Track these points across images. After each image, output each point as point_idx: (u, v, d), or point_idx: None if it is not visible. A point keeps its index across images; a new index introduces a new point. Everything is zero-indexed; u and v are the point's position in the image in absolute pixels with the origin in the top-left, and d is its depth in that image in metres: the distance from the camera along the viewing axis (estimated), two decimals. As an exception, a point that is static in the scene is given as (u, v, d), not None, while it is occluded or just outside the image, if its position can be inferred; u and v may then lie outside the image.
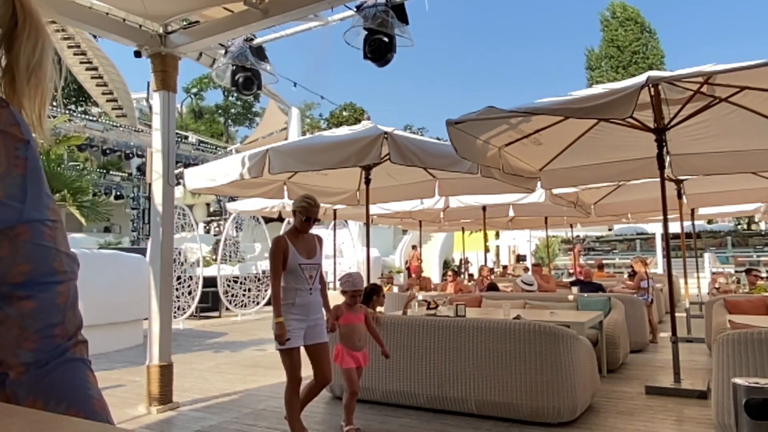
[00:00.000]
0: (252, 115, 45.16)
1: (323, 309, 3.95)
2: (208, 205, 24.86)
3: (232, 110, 44.86)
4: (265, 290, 13.62)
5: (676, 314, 5.57)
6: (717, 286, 9.78)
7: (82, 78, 21.68)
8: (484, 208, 10.38)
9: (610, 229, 24.58)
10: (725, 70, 4.25)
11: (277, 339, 3.60)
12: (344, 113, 37.01)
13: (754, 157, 5.89)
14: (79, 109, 23.35)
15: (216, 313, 13.21)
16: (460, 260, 16.50)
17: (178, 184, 6.33)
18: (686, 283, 9.21)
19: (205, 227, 22.64)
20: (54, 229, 0.93)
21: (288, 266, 3.67)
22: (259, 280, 13.71)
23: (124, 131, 22.42)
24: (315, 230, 3.94)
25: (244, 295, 13.10)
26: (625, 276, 12.38)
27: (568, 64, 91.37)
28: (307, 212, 3.78)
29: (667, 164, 5.81)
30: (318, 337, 3.79)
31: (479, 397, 4.31)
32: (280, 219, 13.77)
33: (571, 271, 19.98)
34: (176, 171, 5.38)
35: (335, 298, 4.23)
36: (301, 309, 3.69)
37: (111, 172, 21.89)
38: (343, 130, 6.75)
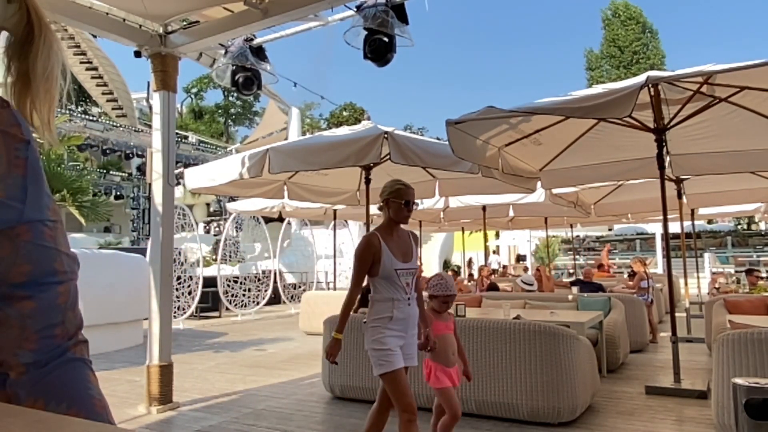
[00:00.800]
0: (252, 115, 45.17)
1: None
2: (208, 205, 24.87)
3: (232, 110, 44.86)
4: (265, 290, 13.63)
5: (676, 314, 5.57)
6: (717, 286, 9.80)
7: (82, 78, 21.69)
8: (484, 208, 10.39)
9: (610, 229, 24.61)
10: (725, 70, 4.25)
11: (326, 355, 3.04)
12: (344, 113, 36.99)
13: (754, 157, 5.89)
14: (79, 109, 23.34)
15: (216, 313, 13.21)
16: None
17: (178, 184, 6.34)
18: (686, 283, 9.20)
19: (205, 227, 22.65)
20: (54, 229, 0.94)
21: (381, 272, 2.99)
22: (259, 280, 13.71)
23: (124, 131, 22.42)
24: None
25: (244, 295, 13.10)
26: (625, 276, 12.40)
27: (568, 64, 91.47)
28: (405, 195, 3.09)
29: (667, 164, 5.81)
30: (409, 359, 3.08)
31: (479, 397, 4.31)
32: (280, 219, 13.78)
33: (571, 271, 19.98)
34: (176, 171, 5.38)
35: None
36: (400, 323, 3.01)
37: (111, 172, 21.89)
38: (343, 130, 6.75)
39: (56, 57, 0.99)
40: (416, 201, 3.33)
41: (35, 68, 0.96)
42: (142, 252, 10.59)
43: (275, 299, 14.44)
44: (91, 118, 22.02)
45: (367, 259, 3.00)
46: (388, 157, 5.43)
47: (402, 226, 3.17)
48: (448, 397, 3.27)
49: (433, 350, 3.21)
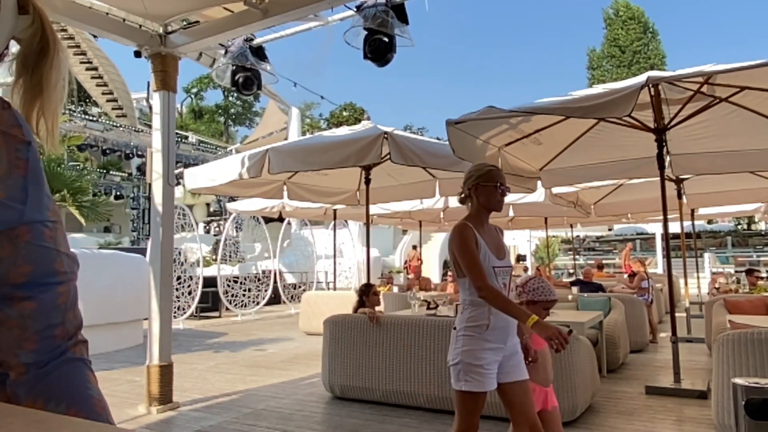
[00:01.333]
0: (252, 115, 45.15)
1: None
2: (208, 205, 24.87)
3: (232, 110, 44.85)
4: (265, 290, 13.63)
5: (676, 314, 5.57)
6: (717, 286, 9.78)
7: (82, 78, 21.70)
8: (484, 207, 10.37)
9: (610, 229, 24.59)
10: (725, 70, 4.25)
11: (555, 339, 2.30)
12: (344, 113, 36.97)
13: (754, 157, 5.89)
14: (79, 109, 23.34)
15: (216, 313, 13.22)
16: None
17: (178, 184, 6.33)
18: (686, 283, 9.21)
19: (205, 227, 22.65)
20: (54, 230, 0.94)
21: None
22: (259, 280, 13.71)
23: (124, 131, 22.42)
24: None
25: (244, 295, 13.10)
26: (625, 276, 12.39)
27: (569, 63, 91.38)
28: (497, 176, 2.61)
29: (667, 164, 5.81)
30: (518, 371, 2.57)
31: (479, 397, 4.31)
32: (280, 219, 13.77)
33: (571, 271, 20.00)
34: (176, 171, 5.38)
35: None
36: (498, 333, 2.52)
37: (111, 172, 21.88)
38: (343, 130, 6.76)
39: (65, 68, 1.02)
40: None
41: (49, 80, 0.99)
42: (142, 252, 10.59)
43: (275, 299, 14.44)
44: (91, 118, 22.01)
45: (471, 247, 2.46)
46: (388, 157, 5.43)
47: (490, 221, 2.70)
48: (548, 423, 2.71)
49: (535, 362, 2.72)
